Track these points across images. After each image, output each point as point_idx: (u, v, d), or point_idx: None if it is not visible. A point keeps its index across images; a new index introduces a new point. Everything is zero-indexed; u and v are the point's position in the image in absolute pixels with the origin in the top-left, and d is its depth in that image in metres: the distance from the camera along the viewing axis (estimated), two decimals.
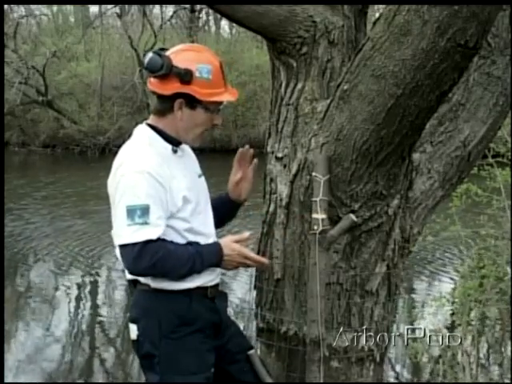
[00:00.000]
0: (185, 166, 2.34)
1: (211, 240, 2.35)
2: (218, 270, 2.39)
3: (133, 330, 2.29)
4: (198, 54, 2.31)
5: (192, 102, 2.25)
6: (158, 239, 2.16)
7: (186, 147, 2.43)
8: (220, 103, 2.33)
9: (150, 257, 2.13)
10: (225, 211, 2.57)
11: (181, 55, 2.27)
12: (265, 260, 2.45)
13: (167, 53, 2.27)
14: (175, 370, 2.26)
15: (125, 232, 2.15)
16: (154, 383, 2.30)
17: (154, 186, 2.16)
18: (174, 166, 2.27)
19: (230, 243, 2.32)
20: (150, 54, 2.25)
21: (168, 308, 2.26)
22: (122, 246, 2.17)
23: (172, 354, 2.26)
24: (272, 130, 2.61)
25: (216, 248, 2.31)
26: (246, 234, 2.40)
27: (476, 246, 5.26)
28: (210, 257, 2.28)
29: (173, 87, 2.23)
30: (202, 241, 2.30)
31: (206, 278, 2.32)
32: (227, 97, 2.32)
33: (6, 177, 10.78)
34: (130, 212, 2.14)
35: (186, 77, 2.21)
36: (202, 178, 2.45)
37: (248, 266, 2.40)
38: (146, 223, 2.13)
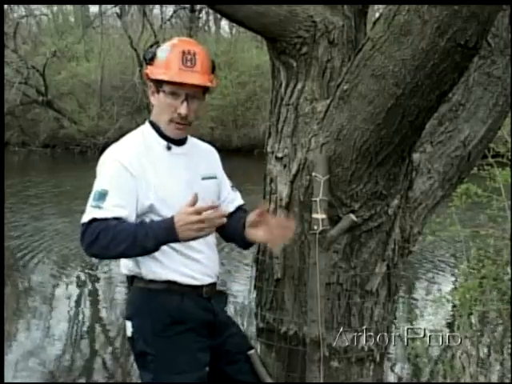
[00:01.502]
0: (180, 166, 2.32)
1: (208, 240, 2.33)
2: (215, 269, 2.38)
3: (128, 327, 2.32)
4: (174, 41, 2.34)
5: (157, 86, 2.28)
6: (104, 219, 2.13)
7: (198, 148, 2.45)
8: (178, 89, 2.24)
9: (90, 233, 2.12)
10: (234, 234, 2.42)
11: (164, 44, 2.34)
12: (219, 212, 2.10)
13: None
14: (167, 368, 2.27)
15: (84, 214, 2.18)
16: (147, 382, 2.31)
17: (122, 174, 2.18)
18: (161, 162, 2.28)
19: (179, 212, 2.11)
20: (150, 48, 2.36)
21: (160, 306, 2.27)
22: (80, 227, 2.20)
23: (164, 353, 2.26)
24: (272, 130, 2.61)
25: (166, 218, 2.14)
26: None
27: (476, 246, 5.25)
28: (157, 225, 2.12)
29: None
30: (196, 241, 2.27)
31: (199, 277, 2.31)
32: (169, 76, 2.23)
33: (6, 176, 10.78)
34: (93, 196, 2.18)
35: (148, 56, 2.30)
36: (207, 182, 2.40)
37: (204, 227, 2.08)
38: (98, 207, 2.15)
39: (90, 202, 2.18)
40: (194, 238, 2.13)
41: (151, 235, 2.10)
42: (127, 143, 2.30)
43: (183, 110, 2.26)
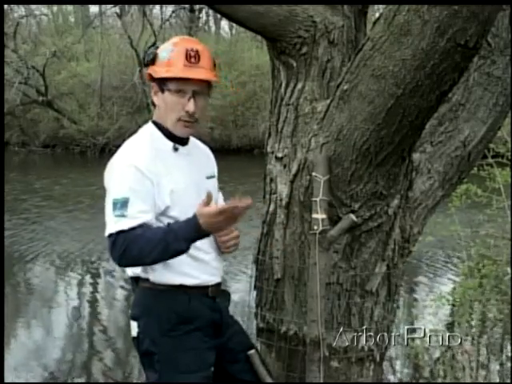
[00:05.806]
0: (187, 166, 2.33)
1: (211, 239, 2.34)
2: (220, 269, 2.39)
3: (133, 327, 2.31)
4: (175, 40, 2.33)
5: (161, 85, 2.27)
6: (131, 229, 2.14)
7: (198, 147, 2.45)
8: (184, 85, 2.23)
9: (119, 246, 2.14)
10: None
11: (165, 44, 2.33)
12: (242, 202, 2.09)
13: None
14: (173, 368, 2.27)
15: (108, 224, 2.19)
16: (152, 382, 2.31)
17: (140, 179, 2.17)
18: (171, 164, 2.28)
19: (201, 210, 2.14)
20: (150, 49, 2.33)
21: (167, 306, 2.27)
22: (107, 238, 2.20)
23: (171, 352, 2.27)
24: (272, 130, 2.61)
25: (189, 218, 2.15)
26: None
27: (476, 246, 5.26)
28: (185, 227, 2.14)
29: (147, 72, 2.31)
30: (200, 241, 2.27)
31: (206, 277, 2.32)
32: (174, 73, 2.23)
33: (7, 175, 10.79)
34: (114, 205, 2.17)
35: (149, 57, 2.28)
36: (212, 180, 2.44)
37: (231, 220, 2.14)
38: (122, 216, 2.15)
39: (111, 211, 2.16)
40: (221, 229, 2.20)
41: (181, 237, 2.14)
42: (138, 147, 2.26)
43: (191, 107, 2.25)
